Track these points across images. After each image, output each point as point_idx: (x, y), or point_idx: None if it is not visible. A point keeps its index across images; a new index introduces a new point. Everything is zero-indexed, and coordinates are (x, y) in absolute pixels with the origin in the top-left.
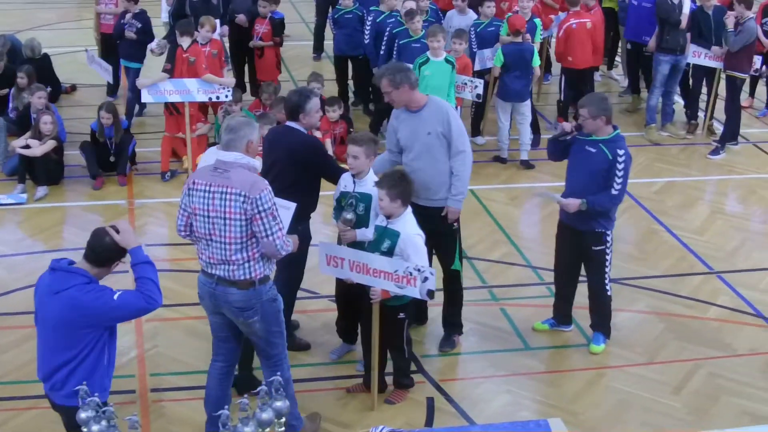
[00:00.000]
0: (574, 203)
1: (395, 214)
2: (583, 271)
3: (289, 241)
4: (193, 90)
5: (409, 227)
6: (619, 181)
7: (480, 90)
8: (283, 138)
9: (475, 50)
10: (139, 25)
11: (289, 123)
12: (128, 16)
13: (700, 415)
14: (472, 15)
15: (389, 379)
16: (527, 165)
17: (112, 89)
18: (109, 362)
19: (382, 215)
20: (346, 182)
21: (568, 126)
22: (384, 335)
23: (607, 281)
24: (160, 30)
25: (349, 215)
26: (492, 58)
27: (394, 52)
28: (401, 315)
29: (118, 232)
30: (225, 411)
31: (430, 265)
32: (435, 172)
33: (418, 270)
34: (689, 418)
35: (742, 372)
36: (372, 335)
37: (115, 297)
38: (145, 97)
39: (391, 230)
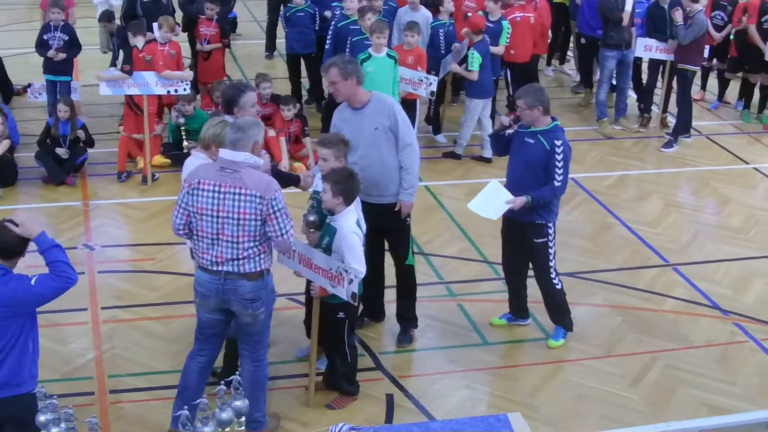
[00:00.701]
0: (519, 201)
1: (336, 211)
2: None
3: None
4: (151, 83)
5: (346, 224)
6: (559, 172)
7: (434, 87)
8: None
9: (442, 51)
10: (66, 38)
11: (225, 117)
12: (55, 30)
13: (657, 407)
14: (424, 12)
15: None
16: (487, 159)
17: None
18: (34, 350)
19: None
20: (317, 182)
21: (506, 120)
22: (324, 334)
23: (552, 274)
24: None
25: (312, 217)
26: (453, 62)
27: (347, 49)
28: (340, 314)
29: (17, 225)
30: (184, 411)
31: (376, 262)
32: (383, 168)
33: (346, 271)
34: (647, 410)
35: (699, 363)
36: (312, 331)
37: (33, 282)
38: (104, 90)
39: (331, 227)
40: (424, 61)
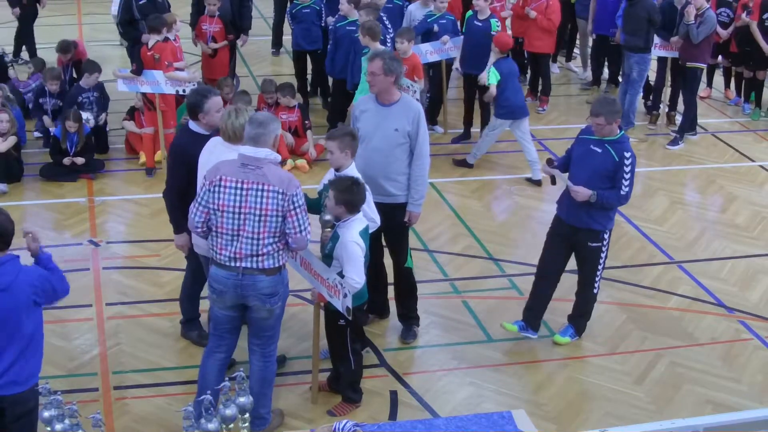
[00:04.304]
0: (584, 192)
1: (341, 218)
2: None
3: None
4: (161, 82)
5: (348, 234)
6: (626, 183)
7: (418, 95)
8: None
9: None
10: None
11: (189, 122)
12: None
13: (662, 404)
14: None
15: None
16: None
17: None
18: None
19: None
20: (329, 175)
21: (548, 171)
22: (328, 341)
23: (597, 279)
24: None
25: (327, 216)
26: (433, 53)
27: (353, 49)
28: (341, 321)
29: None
30: (188, 407)
31: (377, 260)
32: (389, 169)
33: (341, 284)
34: (652, 408)
35: (704, 361)
36: (314, 332)
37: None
38: (121, 86)
39: (336, 233)
40: (420, 70)
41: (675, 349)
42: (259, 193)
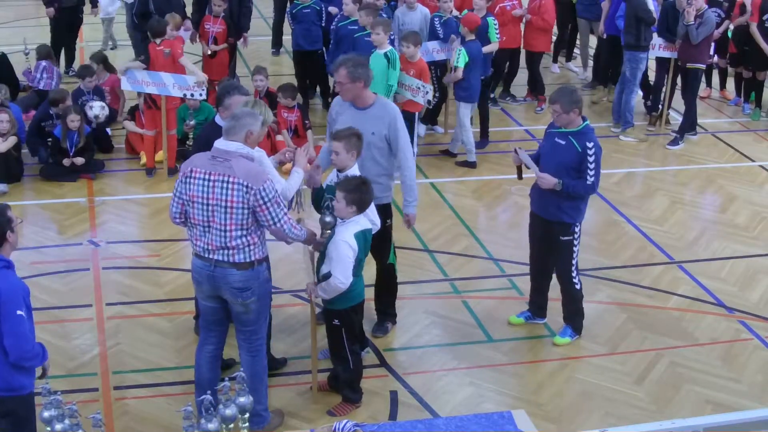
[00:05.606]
0: (550, 180)
1: (345, 217)
2: None
3: (299, 226)
4: (168, 84)
5: (341, 234)
6: (591, 172)
7: (430, 96)
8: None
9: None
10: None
11: (216, 115)
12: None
13: (662, 404)
14: (422, 10)
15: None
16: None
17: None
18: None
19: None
20: (332, 176)
21: (516, 158)
22: (328, 340)
23: (574, 274)
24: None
25: (328, 218)
26: (440, 51)
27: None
28: (335, 322)
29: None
30: (188, 407)
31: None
32: (370, 172)
33: (319, 281)
34: (652, 408)
35: (704, 361)
36: (311, 332)
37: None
38: (125, 84)
39: (333, 232)
40: (427, 75)
41: (675, 349)
42: (225, 185)
